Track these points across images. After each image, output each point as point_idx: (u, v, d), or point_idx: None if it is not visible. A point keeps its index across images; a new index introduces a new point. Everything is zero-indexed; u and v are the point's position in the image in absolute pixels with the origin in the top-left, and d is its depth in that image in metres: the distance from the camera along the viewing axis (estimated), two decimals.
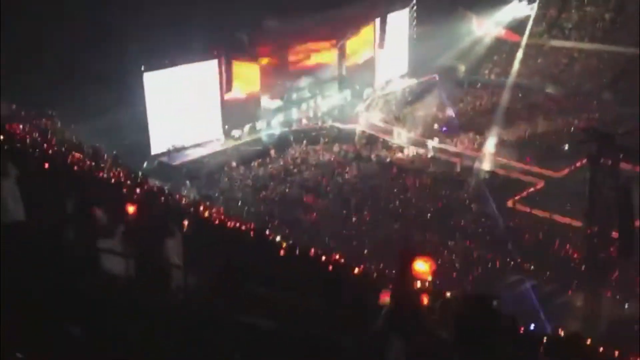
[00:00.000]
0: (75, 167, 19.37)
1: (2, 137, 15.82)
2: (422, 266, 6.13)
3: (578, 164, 33.13)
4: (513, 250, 27.69)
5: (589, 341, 11.00)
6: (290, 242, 19.32)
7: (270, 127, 42.00)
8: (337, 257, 18.68)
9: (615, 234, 22.90)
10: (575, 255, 26.76)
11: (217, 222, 20.11)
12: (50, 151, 20.90)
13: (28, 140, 21.12)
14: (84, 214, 8.83)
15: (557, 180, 34.65)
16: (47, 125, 29.38)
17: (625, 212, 22.17)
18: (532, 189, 34.21)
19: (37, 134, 24.58)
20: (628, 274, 24.07)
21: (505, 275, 26.04)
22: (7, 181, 8.11)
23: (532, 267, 26.55)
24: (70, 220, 8.62)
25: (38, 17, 34.55)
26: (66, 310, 5.72)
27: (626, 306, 23.26)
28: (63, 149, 23.00)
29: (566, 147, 37.02)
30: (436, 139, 40.33)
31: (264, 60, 42.94)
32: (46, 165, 15.05)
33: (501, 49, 53.01)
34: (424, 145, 40.04)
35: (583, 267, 24.95)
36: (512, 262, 26.97)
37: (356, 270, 16.29)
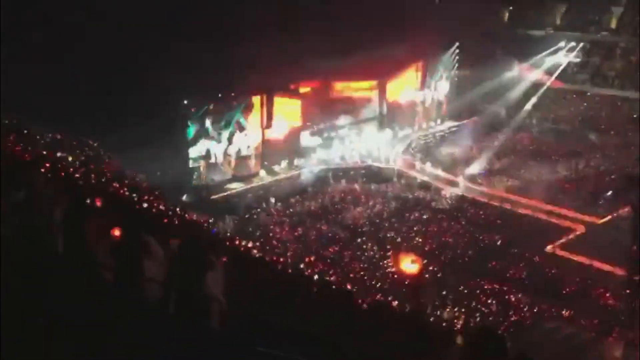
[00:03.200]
0: (117, 197, 19.57)
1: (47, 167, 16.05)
2: (410, 266, 6.20)
3: (620, 211, 32.83)
4: (551, 296, 27.30)
5: None
6: (326, 278, 19.33)
7: (309, 164, 42.20)
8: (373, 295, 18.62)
9: None
10: (615, 304, 26.28)
11: (254, 256, 20.15)
12: (92, 180, 21.16)
13: (71, 170, 21.42)
14: (126, 243, 8.92)
15: (598, 226, 34.21)
16: (88, 154, 29.77)
17: None
18: (572, 235, 33.78)
19: (78, 163, 24.92)
20: None
21: (543, 322, 25.66)
22: (59, 211, 8.23)
23: (571, 314, 26.13)
24: (113, 250, 8.71)
25: (84, 48, 35.26)
26: (104, 338, 5.76)
27: None
28: (104, 180, 23.28)
29: (609, 193, 36.58)
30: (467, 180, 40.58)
31: (305, 98, 43.20)
32: (88, 195, 15.22)
33: (542, 94, 52.83)
34: (462, 187, 39.90)
35: (623, 316, 24.50)
36: (550, 308, 26.57)
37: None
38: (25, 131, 21.79)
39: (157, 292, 8.40)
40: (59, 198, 8.75)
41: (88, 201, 13.91)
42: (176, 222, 17.58)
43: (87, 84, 34.21)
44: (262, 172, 40.89)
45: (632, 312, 23.18)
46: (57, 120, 27.74)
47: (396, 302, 17.78)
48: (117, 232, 9.57)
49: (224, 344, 7.47)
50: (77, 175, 19.22)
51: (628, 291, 23.62)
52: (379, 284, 27.48)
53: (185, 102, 36.98)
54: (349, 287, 17.62)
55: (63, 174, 18.35)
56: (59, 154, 22.66)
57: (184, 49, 36.17)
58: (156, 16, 37.35)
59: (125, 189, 22.29)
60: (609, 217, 34.58)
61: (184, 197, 35.90)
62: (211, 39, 37.75)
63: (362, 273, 29.39)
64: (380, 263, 30.61)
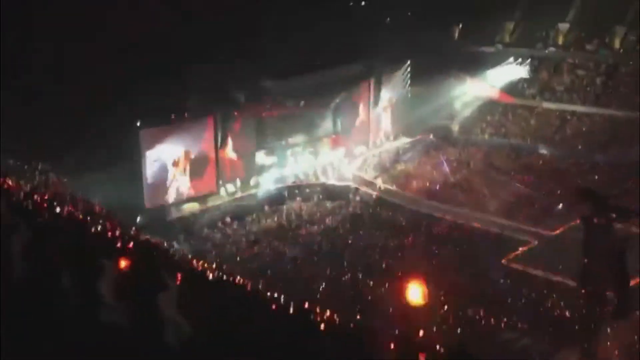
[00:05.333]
0: (69, 221, 19.35)
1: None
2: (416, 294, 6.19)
3: (572, 224, 33.35)
4: (507, 309, 27.54)
5: None
6: (283, 297, 19.24)
7: (264, 183, 42.12)
8: (329, 314, 18.57)
9: (609, 294, 22.85)
10: (569, 315, 26.62)
11: (210, 276, 20.02)
12: (44, 205, 20.88)
13: (22, 195, 21.13)
14: (79, 267, 8.82)
15: (551, 239, 34.69)
16: (40, 179, 29.38)
17: (620, 272, 22.14)
18: (526, 248, 34.18)
19: (29, 188, 24.58)
20: (622, 334, 23.93)
21: (498, 334, 25.89)
22: (19, 237, 8.12)
23: (526, 325, 26.40)
24: (66, 274, 8.61)
25: (35, 71, 34.90)
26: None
27: None
28: (55, 203, 22.98)
29: (560, 206, 37.13)
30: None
31: (259, 118, 43.15)
32: (39, 220, 15.04)
33: (494, 110, 53.56)
34: (417, 203, 40.14)
35: (577, 327, 24.82)
36: (505, 321, 26.80)
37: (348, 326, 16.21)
38: None
39: (113, 314, 8.32)
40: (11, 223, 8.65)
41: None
42: (130, 244, 17.43)
43: (38, 108, 33.80)
44: (219, 192, 40.68)
45: (586, 323, 23.50)
46: (8, 146, 27.42)
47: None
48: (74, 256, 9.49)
49: None
50: (28, 201, 18.99)
51: (581, 302, 23.91)
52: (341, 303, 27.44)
53: (138, 124, 36.62)
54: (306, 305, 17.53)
55: (13, 199, 18.11)
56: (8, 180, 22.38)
57: (137, 70, 36.02)
58: (109, 37, 37.19)
59: (79, 212, 22.08)
60: (561, 229, 35.09)
61: (138, 219, 35.54)
62: (164, 60, 37.68)
63: (321, 291, 29.42)
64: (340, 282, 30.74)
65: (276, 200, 41.12)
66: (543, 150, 48.40)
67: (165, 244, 29.45)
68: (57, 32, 35.79)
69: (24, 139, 31.24)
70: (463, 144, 50.50)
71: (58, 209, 21.00)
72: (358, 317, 20.25)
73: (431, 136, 50.66)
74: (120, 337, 7.76)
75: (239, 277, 22.30)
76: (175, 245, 32.62)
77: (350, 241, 35.78)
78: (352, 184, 43.37)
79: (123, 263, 10.05)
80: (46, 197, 23.45)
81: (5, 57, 32.20)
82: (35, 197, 21.96)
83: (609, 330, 23.34)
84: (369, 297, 28.70)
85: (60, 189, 29.05)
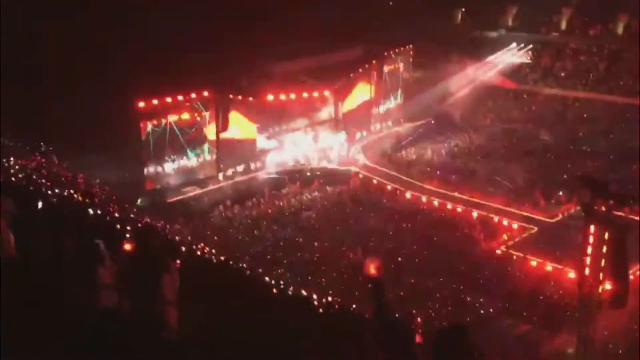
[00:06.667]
0: (70, 203, 19.36)
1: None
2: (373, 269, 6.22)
3: (572, 211, 33.40)
4: (505, 295, 27.62)
5: None
6: (283, 282, 19.34)
7: (265, 167, 42.11)
8: (330, 298, 18.69)
9: (607, 281, 22.87)
10: (567, 302, 26.67)
11: (210, 260, 20.09)
12: (44, 187, 20.89)
13: (22, 176, 21.14)
14: (80, 250, 8.85)
15: (550, 226, 34.66)
16: (42, 160, 29.36)
17: (618, 260, 22.15)
18: (525, 234, 34.17)
19: (31, 170, 24.57)
20: (620, 320, 24.03)
21: (499, 320, 25.98)
22: (5, 218, 8.15)
23: (525, 312, 26.48)
24: (67, 257, 8.63)
25: (34, 52, 34.83)
26: (63, 344, 5.72)
27: (619, 352, 23.24)
28: (57, 185, 23.00)
29: (560, 193, 37.09)
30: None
31: (261, 101, 43.03)
32: (40, 202, 15.04)
33: (496, 95, 53.47)
34: (418, 188, 40.06)
35: (576, 313, 24.89)
36: (503, 307, 26.89)
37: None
38: None
39: (113, 299, 8.36)
40: (7, 204, 8.66)
41: (40, 206, 13.79)
42: (129, 226, 17.45)
43: (39, 89, 33.76)
44: (219, 175, 40.68)
45: (584, 309, 23.56)
46: (9, 126, 27.41)
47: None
48: (71, 240, 9.50)
49: (182, 350, 7.46)
50: (31, 180, 19.01)
51: (579, 289, 23.96)
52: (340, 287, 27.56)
53: (141, 104, 36.58)
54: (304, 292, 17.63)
55: (13, 179, 18.13)
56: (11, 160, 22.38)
57: (137, 51, 35.96)
58: (109, 18, 37.09)
59: (79, 194, 22.09)
60: (561, 216, 35.13)
61: (139, 201, 35.59)
62: (165, 41, 37.61)
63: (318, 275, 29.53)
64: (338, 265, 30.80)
65: (277, 184, 41.08)
66: (544, 136, 48.33)
67: (166, 227, 29.48)
68: (59, 16, 35.72)
69: (25, 120, 31.21)
70: (464, 129, 50.42)
71: (58, 191, 21.03)
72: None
73: (432, 121, 50.57)
74: (121, 321, 7.80)
75: (238, 261, 22.39)
76: (176, 227, 32.64)
77: (348, 225, 35.79)
78: (353, 169, 43.31)
79: (125, 246, 10.07)
80: (47, 179, 23.49)
81: (8, 41, 32.17)
82: (36, 178, 21.99)
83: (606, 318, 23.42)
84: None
85: (61, 171, 29.06)
